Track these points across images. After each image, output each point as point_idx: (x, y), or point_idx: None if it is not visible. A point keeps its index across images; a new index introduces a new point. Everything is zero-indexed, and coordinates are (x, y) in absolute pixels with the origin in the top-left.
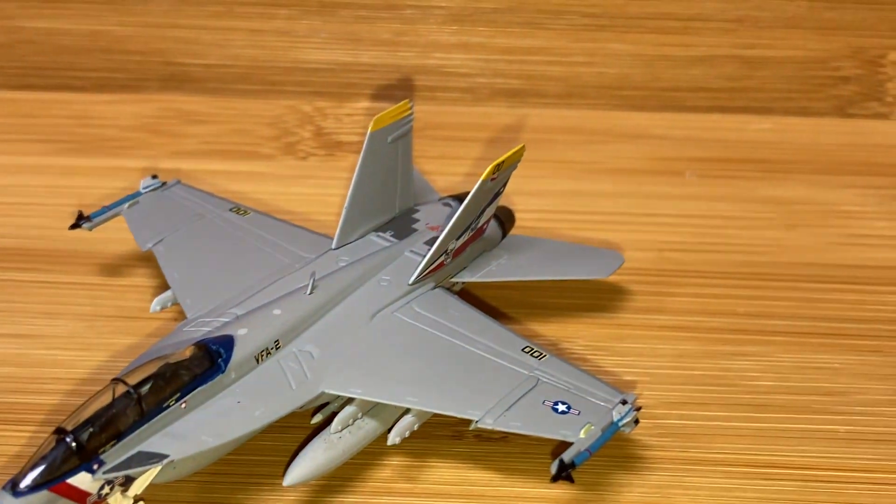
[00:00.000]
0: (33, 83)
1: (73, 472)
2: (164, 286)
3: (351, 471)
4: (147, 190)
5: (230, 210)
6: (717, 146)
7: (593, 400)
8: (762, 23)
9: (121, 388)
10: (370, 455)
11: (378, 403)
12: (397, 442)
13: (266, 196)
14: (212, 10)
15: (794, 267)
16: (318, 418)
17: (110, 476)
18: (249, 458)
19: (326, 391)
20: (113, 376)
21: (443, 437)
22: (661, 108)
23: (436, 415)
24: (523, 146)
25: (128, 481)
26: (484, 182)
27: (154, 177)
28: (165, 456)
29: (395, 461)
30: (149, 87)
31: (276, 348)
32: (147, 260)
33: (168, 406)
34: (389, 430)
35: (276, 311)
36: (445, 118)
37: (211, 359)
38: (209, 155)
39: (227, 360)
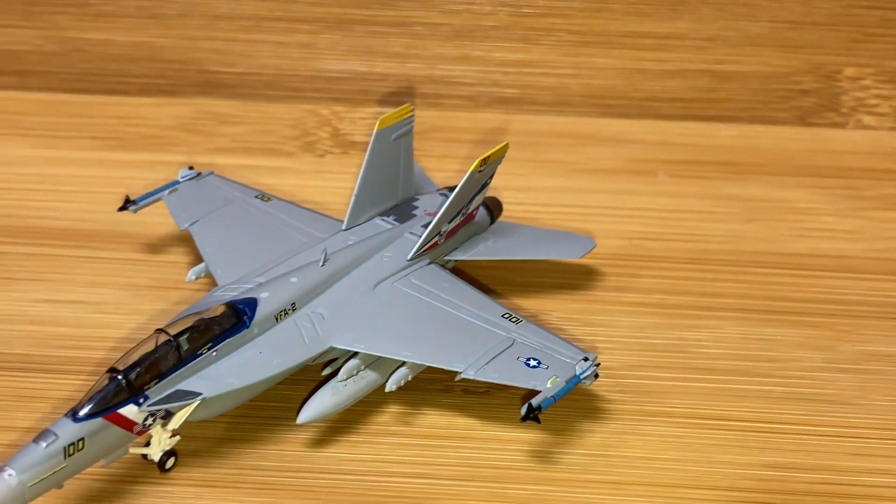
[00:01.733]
0: (86, 87)
1: (123, 404)
2: (198, 260)
3: (355, 415)
4: (184, 179)
5: (255, 197)
6: (688, 150)
7: (560, 357)
8: (730, 41)
9: (163, 337)
10: (371, 403)
11: (378, 357)
12: (393, 389)
13: (287, 187)
14: (242, 25)
15: (748, 255)
16: (327, 371)
17: (153, 409)
18: (269, 405)
19: (335, 346)
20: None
21: (434, 389)
22: (639, 116)
23: (427, 369)
24: (507, 143)
25: (167, 416)
26: (472, 174)
27: (190, 168)
28: (199, 394)
29: (393, 408)
30: (186, 91)
31: (293, 310)
32: (183, 239)
33: (201, 353)
34: (387, 380)
35: (293, 279)
36: (448, 122)
37: (238, 316)
38: (238, 151)
39: (251, 318)
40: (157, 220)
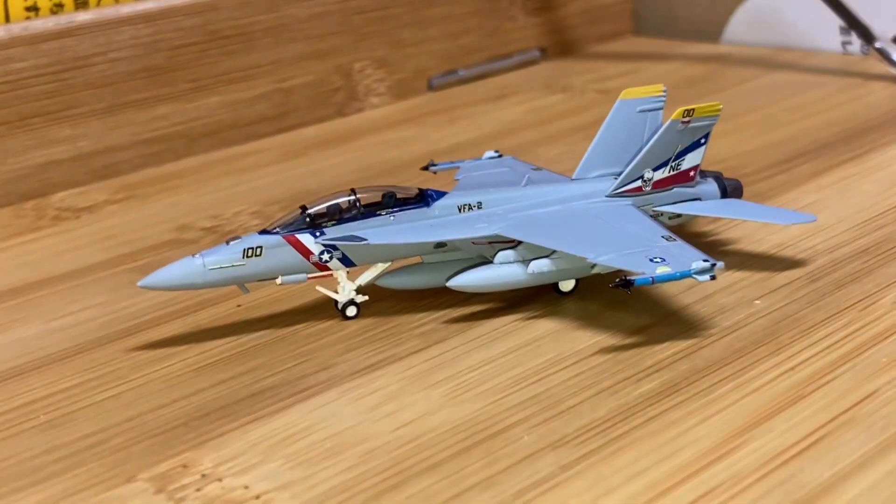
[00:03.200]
0: None
1: (302, 231)
2: None
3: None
4: (487, 157)
5: (532, 168)
6: None
7: (684, 258)
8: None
9: (351, 195)
10: (512, 294)
11: (531, 255)
12: (534, 271)
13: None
14: None
15: None
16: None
17: (327, 242)
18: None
19: (499, 234)
20: None
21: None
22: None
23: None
24: (719, 104)
25: (344, 259)
26: (673, 122)
27: (496, 151)
28: (364, 239)
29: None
30: None
31: (479, 207)
32: None
33: (380, 215)
34: (528, 265)
35: (493, 190)
36: None
37: (423, 198)
38: None
39: (434, 200)
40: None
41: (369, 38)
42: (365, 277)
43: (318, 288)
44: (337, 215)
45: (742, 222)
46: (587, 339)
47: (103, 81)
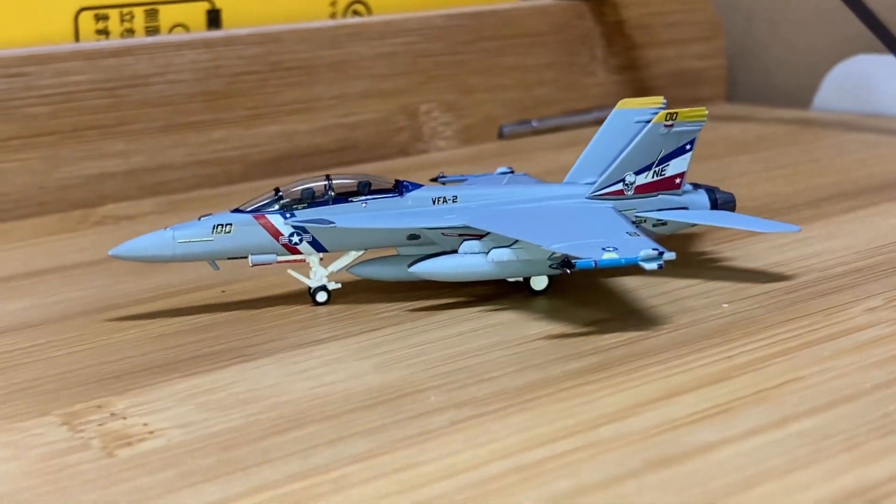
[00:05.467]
0: None
1: (272, 212)
2: None
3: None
4: (499, 173)
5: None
6: None
7: (635, 245)
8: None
9: (325, 181)
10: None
11: (493, 244)
12: (493, 260)
13: None
14: None
15: None
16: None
17: (296, 224)
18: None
19: (469, 225)
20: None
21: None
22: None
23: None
24: (704, 109)
25: (315, 244)
26: (656, 125)
27: (509, 168)
28: (332, 223)
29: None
30: None
31: (453, 201)
32: None
33: (351, 201)
34: (488, 253)
35: (471, 186)
36: None
37: (398, 188)
38: None
39: (408, 191)
40: None
41: (437, 80)
42: (337, 265)
43: (290, 272)
44: (309, 199)
45: (746, 242)
46: (538, 328)
47: (160, 101)
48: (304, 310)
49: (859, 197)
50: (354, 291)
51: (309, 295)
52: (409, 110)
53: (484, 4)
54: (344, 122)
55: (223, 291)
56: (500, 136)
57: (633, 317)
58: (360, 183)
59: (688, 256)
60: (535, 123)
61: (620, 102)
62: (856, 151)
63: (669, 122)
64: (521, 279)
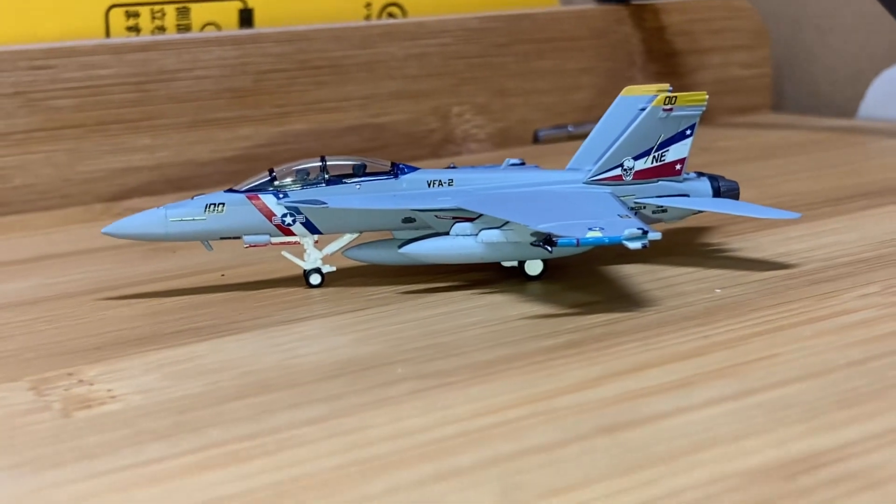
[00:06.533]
0: None
1: (265, 192)
2: None
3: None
4: (507, 164)
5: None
6: None
7: (622, 228)
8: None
9: (320, 162)
10: (464, 268)
11: (483, 226)
12: (483, 241)
13: None
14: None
15: None
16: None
17: (289, 204)
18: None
19: (461, 207)
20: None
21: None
22: None
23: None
24: (705, 93)
25: (308, 225)
26: (655, 108)
27: (520, 160)
28: (325, 203)
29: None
30: None
31: (449, 184)
32: None
33: (346, 183)
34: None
35: (467, 170)
36: None
37: (393, 170)
38: None
39: (403, 174)
40: None
41: (470, 83)
42: (331, 247)
43: (284, 253)
44: (303, 180)
45: (756, 234)
46: (523, 309)
47: (187, 97)
48: (298, 292)
49: (880, 196)
50: (350, 276)
51: (303, 277)
52: (440, 112)
53: (521, 8)
54: (374, 122)
55: (223, 275)
56: (536, 140)
57: (622, 300)
58: (355, 165)
59: (692, 247)
60: (570, 128)
61: (625, 90)
62: (890, 156)
63: (668, 106)
64: (515, 264)
